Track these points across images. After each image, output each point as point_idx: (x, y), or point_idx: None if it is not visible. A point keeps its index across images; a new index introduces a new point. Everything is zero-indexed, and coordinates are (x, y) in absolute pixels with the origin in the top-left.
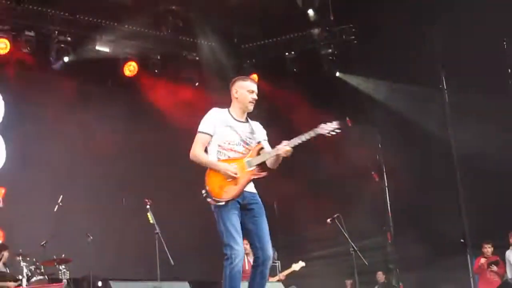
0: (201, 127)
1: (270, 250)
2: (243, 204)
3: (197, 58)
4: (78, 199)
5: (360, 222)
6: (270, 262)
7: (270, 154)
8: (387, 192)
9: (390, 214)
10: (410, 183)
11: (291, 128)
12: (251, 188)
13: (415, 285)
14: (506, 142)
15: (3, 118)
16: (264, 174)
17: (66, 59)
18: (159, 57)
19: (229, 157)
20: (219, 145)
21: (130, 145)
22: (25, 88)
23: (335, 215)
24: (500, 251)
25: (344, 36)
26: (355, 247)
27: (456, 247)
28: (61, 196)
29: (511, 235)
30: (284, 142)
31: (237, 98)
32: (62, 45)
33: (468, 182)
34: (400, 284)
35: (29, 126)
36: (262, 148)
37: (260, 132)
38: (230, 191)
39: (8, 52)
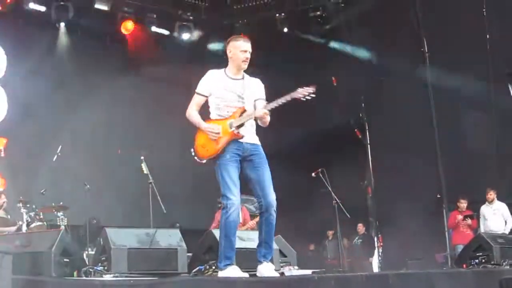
0: (197, 89)
1: (272, 198)
2: (243, 156)
3: (192, 18)
4: (76, 150)
5: (343, 176)
6: (273, 209)
7: (249, 117)
8: (368, 148)
9: (371, 170)
10: (391, 140)
11: (281, 85)
12: (252, 139)
13: (393, 237)
14: (479, 97)
15: (6, 71)
16: (240, 135)
17: (66, 16)
18: (155, 16)
19: (227, 112)
20: (217, 104)
21: (126, 98)
22: (27, 42)
23: (319, 169)
24: (473, 207)
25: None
26: (337, 200)
27: (433, 202)
28: (60, 146)
29: (488, 192)
30: (263, 104)
31: (231, 57)
32: (62, 3)
33: (445, 140)
34: (379, 235)
35: (30, 79)
36: (244, 111)
37: (257, 90)
38: (210, 150)
39: (10, 8)
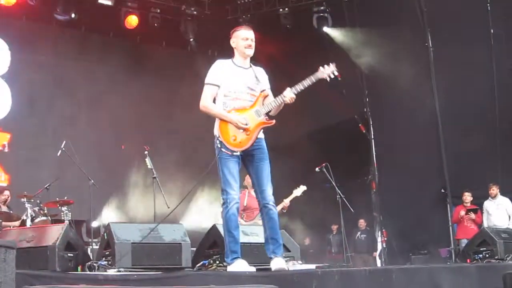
0: (207, 79)
1: (268, 193)
2: (246, 151)
3: (195, 13)
4: (80, 145)
5: (347, 171)
6: (271, 204)
7: (276, 102)
8: (372, 143)
9: (375, 164)
10: (395, 135)
11: (286, 79)
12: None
13: (397, 232)
14: (485, 93)
15: (9, 66)
16: (273, 122)
17: (70, 11)
18: (159, 11)
19: (234, 107)
20: (224, 95)
21: (130, 94)
22: (31, 38)
23: (323, 164)
24: (477, 202)
25: None
26: (341, 195)
27: (437, 197)
28: (64, 142)
29: (491, 187)
30: (287, 89)
31: (235, 48)
32: None
33: (450, 135)
34: (383, 230)
35: (34, 75)
36: (266, 96)
37: (263, 79)
38: (244, 142)
39: (15, 3)
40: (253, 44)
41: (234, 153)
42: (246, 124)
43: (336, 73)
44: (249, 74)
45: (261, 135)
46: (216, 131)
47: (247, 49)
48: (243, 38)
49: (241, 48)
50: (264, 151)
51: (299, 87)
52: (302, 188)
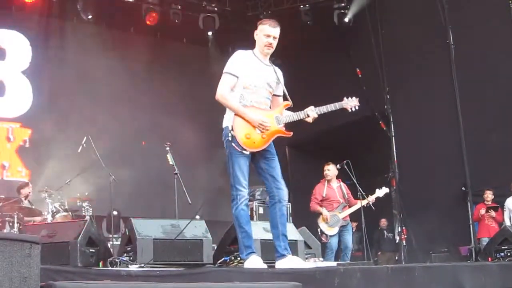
0: (228, 68)
1: (285, 188)
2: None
3: (216, 9)
4: (101, 141)
5: (368, 168)
6: (286, 199)
7: (298, 116)
8: (393, 140)
9: (395, 162)
10: (415, 132)
11: (304, 78)
12: None
13: (417, 230)
14: (507, 90)
15: (31, 62)
16: (291, 134)
17: (91, 7)
18: (179, 7)
19: (251, 101)
20: (244, 87)
21: (151, 89)
22: (51, 34)
23: (344, 161)
24: (498, 200)
25: None
26: (362, 192)
27: (458, 195)
28: (85, 137)
29: None
30: (311, 108)
31: (256, 41)
32: None
33: (471, 132)
34: (403, 228)
35: (55, 70)
36: (287, 107)
37: (280, 81)
38: (257, 143)
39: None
40: (275, 42)
41: (244, 151)
42: (268, 128)
43: (357, 108)
44: (270, 72)
45: None
46: (228, 123)
47: (266, 47)
48: (266, 35)
49: (261, 45)
50: (273, 147)
51: (323, 109)
52: (385, 190)
